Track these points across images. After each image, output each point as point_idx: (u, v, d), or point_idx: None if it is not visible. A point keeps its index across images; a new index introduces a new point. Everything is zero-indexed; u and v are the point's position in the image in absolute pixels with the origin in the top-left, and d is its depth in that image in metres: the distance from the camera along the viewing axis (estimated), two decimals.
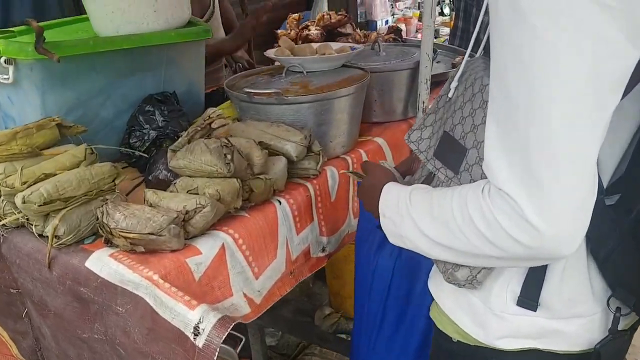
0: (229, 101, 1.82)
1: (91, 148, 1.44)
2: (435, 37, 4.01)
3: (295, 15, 2.77)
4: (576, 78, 0.68)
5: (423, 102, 1.85)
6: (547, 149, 0.71)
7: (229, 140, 1.36)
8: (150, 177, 1.54)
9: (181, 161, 1.39)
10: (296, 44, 2.70)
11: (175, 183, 1.37)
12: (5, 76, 1.52)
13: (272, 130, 1.51)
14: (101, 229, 1.24)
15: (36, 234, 1.28)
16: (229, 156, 1.32)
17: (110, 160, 1.42)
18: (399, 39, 2.89)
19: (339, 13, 2.76)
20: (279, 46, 1.85)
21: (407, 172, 1.30)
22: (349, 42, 2.70)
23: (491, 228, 0.78)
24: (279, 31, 2.74)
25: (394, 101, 1.93)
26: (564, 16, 0.67)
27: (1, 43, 1.49)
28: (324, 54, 1.75)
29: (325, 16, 2.66)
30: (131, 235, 1.19)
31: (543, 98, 0.70)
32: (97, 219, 1.25)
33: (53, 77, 1.53)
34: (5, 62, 1.50)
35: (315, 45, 1.81)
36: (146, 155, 1.59)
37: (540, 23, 0.68)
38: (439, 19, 6.63)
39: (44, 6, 2.48)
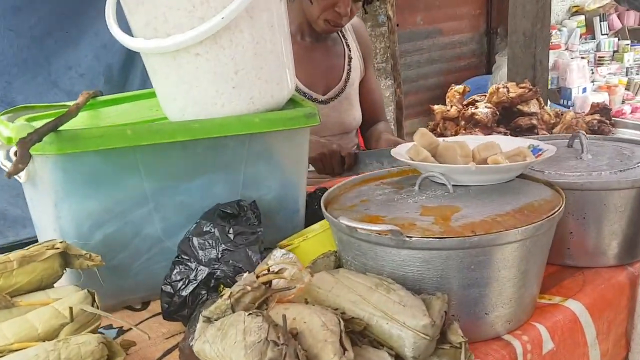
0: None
1: (92, 295, 0.92)
2: None
3: (459, 88, 2.11)
4: None
5: None
6: None
7: (284, 330, 0.75)
8: (182, 345, 0.97)
9: (208, 347, 0.80)
10: (458, 125, 2.05)
11: None
12: (19, 173, 1.08)
13: (377, 299, 0.86)
14: None
15: None
16: None
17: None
18: (607, 122, 2.09)
19: (521, 85, 2.05)
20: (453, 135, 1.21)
21: None
22: (533, 123, 1.97)
23: None
24: (435, 107, 2.11)
25: (605, 237, 1.17)
26: None
27: (14, 128, 1.06)
28: (486, 161, 1.07)
29: (500, 89, 1.97)
30: None
31: None
32: None
33: (72, 179, 1.05)
34: (15, 154, 1.06)
35: (473, 143, 1.13)
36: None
37: None
38: None
39: None
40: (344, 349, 0.74)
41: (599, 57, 5.61)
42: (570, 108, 4.80)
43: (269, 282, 0.86)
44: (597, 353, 1.12)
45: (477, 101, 2.01)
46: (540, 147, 1.16)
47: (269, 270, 0.86)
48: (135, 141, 1.06)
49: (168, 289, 1.08)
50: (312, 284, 0.91)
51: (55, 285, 1.02)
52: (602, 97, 4.95)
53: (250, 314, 0.79)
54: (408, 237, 0.89)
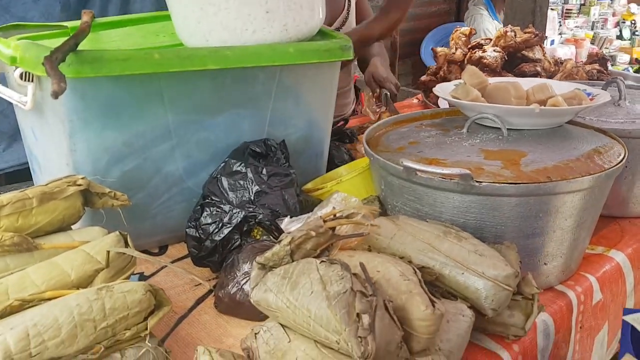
0: (363, 161, 1.13)
1: (124, 237, 0.82)
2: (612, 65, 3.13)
3: (465, 30, 2.03)
4: None
5: None
6: None
7: (368, 279, 0.67)
8: (221, 293, 0.89)
9: (272, 297, 0.72)
10: (463, 69, 1.97)
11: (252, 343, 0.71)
12: (24, 99, 0.95)
13: (449, 247, 0.80)
14: None
15: None
16: (366, 320, 0.63)
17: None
18: (605, 72, 2.06)
19: (526, 30, 1.98)
20: (458, 78, 1.13)
21: None
22: (537, 70, 1.93)
23: None
24: (438, 49, 2.02)
25: None
26: None
27: (17, 47, 0.91)
28: (542, 103, 1.01)
29: (508, 33, 1.90)
30: None
31: None
32: None
33: (89, 108, 0.93)
34: (21, 76, 0.92)
35: (528, 84, 1.06)
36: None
37: None
38: (617, 43, 5.54)
39: None
40: (433, 301, 0.68)
41: (566, 9, 5.62)
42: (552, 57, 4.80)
43: (334, 228, 0.78)
44: (632, 302, 1.11)
45: (482, 45, 1.94)
46: (589, 91, 1.10)
47: (335, 215, 0.78)
48: (163, 67, 0.94)
49: (194, 232, 0.99)
50: (374, 229, 0.84)
51: (73, 227, 0.91)
52: (569, 50, 4.99)
53: (322, 261, 0.72)
54: (478, 182, 0.83)
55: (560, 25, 5.42)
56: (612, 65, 4.80)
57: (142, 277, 1.00)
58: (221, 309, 0.90)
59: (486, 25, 4.24)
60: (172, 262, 1.06)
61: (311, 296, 0.68)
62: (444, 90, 1.10)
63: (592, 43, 5.32)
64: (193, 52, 0.97)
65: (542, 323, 0.88)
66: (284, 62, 1.05)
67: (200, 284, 0.98)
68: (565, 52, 4.98)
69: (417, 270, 0.74)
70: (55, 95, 0.73)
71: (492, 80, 1.11)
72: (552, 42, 5.20)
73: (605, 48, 5.39)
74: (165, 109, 0.99)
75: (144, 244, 1.09)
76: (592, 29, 5.53)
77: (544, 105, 1.00)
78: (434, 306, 0.67)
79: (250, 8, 1.02)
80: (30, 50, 0.90)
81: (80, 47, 1.14)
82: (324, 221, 0.76)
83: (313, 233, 0.76)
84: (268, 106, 1.10)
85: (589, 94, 1.08)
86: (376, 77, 1.85)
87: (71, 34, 0.90)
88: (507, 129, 0.99)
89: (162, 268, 1.03)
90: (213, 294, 0.93)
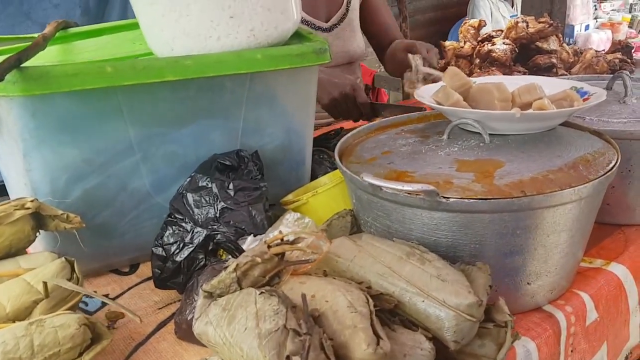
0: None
1: (71, 264, 0.78)
2: None
3: (474, 22, 1.93)
4: None
5: None
6: None
7: (306, 314, 0.61)
8: (178, 319, 0.84)
9: (211, 330, 0.67)
10: (472, 64, 1.88)
11: None
12: None
13: (410, 271, 0.73)
14: None
15: None
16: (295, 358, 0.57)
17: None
18: (629, 62, 1.93)
19: (540, 20, 1.87)
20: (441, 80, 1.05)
21: None
22: (552, 62, 1.81)
23: None
24: (447, 43, 1.93)
25: None
26: None
27: None
28: (528, 106, 0.92)
29: (519, 24, 1.80)
30: None
31: None
32: None
33: (42, 125, 0.89)
34: None
35: (509, 84, 0.97)
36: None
37: None
38: None
39: None
40: (378, 337, 0.61)
41: None
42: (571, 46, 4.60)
43: (282, 253, 0.72)
44: (637, 320, 1.02)
45: (493, 37, 1.83)
46: (585, 89, 1.01)
47: (282, 239, 0.72)
48: (117, 80, 0.89)
49: (159, 251, 0.95)
50: (330, 251, 0.77)
51: (29, 249, 0.88)
52: (605, 35, 4.75)
53: (262, 292, 0.66)
54: (445, 197, 0.75)
55: (596, 9, 5.17)
56: None
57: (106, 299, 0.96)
58: (180, 336, 0.85)
59: (480, 10, 4.11)
60: (142, 281, 1.02)
61: (244, 333, 0.62)
62: (426, 93, 1.03)
63: (629, 27, 5.06)
64: (149, 63, 0.92)
65: (523, 350, 0.80)
66: (252, 69, 0.99)
67: (165, 306, 0.94)
68: (600, 37, 4.75)
69: (370, 300, 0.68)
70: None
71: (480, 80, 1.03)
72: (587, 27, 4.97)
73: None
74: (126, 123, 0.95)
75: (114, 263, 1.05)
76: (630, 12, 5.26)
77: (531, 108, 0.91)
78: (378, 343, 0.61)
79: (213, 14, 0.97)
80: None
81: (50, 59, 1.12)
82: (269, 247, 0.71)
83: (258, 259, 0.71)
84: (239, 115, 1.05)
85: (584, 93, 0.98)
86: (406, 47, 1.60)
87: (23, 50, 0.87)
88: (491, 134, 0.91)
89: (128, 289, 0.99)
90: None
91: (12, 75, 0.82)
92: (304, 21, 1.70)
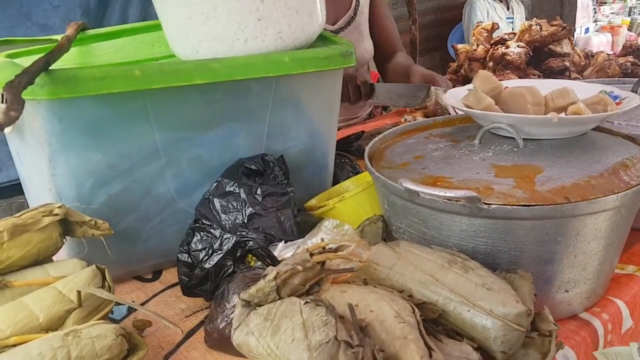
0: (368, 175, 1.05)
1: (102, 272, 0.76)
2: None
3: (487, 25, 1.92)
4: None
5: None
6: None
7: (355, 325, 0.60)
8: (209, 327, 0.82)
9: (254, 341, 0.65)
10: (485, 66, 1.87)
11: None
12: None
13: (453, 280, 0.71)
14: None
15: None
16: None
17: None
18: None
19: (553, 23, 1.86)
20: (470, 83, 1.03)
21: None
22: (565, 65, 1.81)
23: None
24: (459, 46, 1.92)
25: None
26: None
27: None
28: (561, 110, 0.91)
29: (533, 27, 1.79)
30: None
31: None
32: None
33: (68, 129, 0.87)
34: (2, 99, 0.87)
35: (547, 89, 0.96)
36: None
37: None
38: None
39: None
40: (429, 348, 0.60)
41: None
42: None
43: (323, 262, 0.71)
44: None
45: (506, 40, 1.82)
46: (616, 93, 0.99)
47: (324, 248, 0.70)
48: (145, 84, 0.87)
49: (185, 258, 0.93)
50: (370, 257, 0.76)
51: (54, 257, 0.86)
52: (605, 38, 4.78)
53: (307, 302, 0.64)
54: (486, 204, 0.74)
55: (595, 12, 5.19)
56: None
57: (131, 308, 0.94)
58: (210, 345, 0.84)
59: (477, 11, 4.11)
60: (166, 288, 1.00)
61: (292, 344, 0.61)
62: (455, 97, 1.01)
63: (629, 30, 5.09)
64: (178, 66, 0.90)
65: (563, 358, 0.79)
66: (279, 72, 0.98)
67: (193, 314, 0.92)
68: (600, 40, 4.77)
69: (416, 309, 0.66)
70: (1, 127, 0.67)
71: (511, 84, 1.01)
72: (587, 30, 4.99)
73: None
74: (152, 127, 0.93)
75: (137, 270, 1.03)
76: (629, 15, 5.29)
77: (565, 113, 0.90)
78: (431, 356, 0.59)
79: (241, 16, 0.95)
80: (4, 70, 0.85)
81: (70, 62, 1.10)
82: (311, 255, 0.69)
83: (300, 268, 0.69)
84: (265, 119, 1.04)
85: (615, 97, 0.97)
86: (425, 78, 1.66)
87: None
88: (524, 139, 0.90)
89: (153, 296, 0.97)
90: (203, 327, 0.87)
91: (41, 79, 0.80)
92: None
